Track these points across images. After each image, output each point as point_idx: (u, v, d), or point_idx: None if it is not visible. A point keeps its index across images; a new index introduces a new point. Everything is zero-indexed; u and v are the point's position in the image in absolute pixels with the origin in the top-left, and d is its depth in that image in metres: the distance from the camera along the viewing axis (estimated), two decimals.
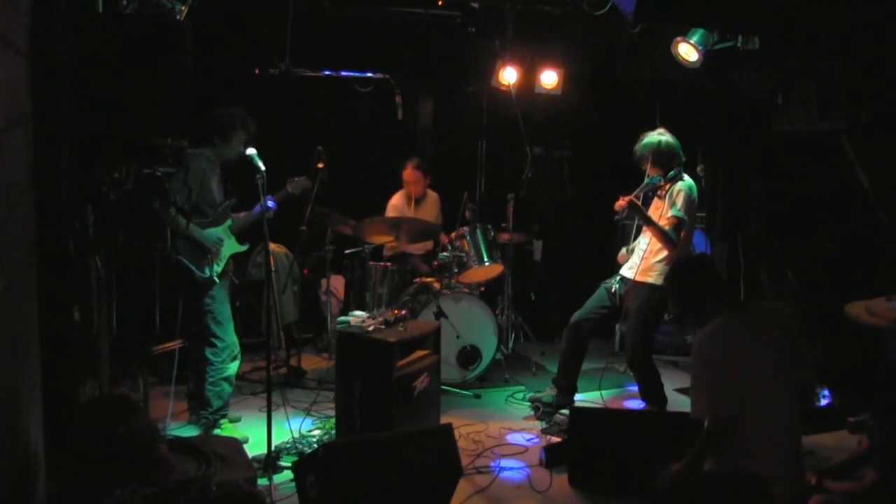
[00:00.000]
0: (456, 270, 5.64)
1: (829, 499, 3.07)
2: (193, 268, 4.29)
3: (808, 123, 4.40)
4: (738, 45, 4.75)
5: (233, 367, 4.48)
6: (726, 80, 5.13)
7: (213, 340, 4.38)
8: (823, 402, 4.64)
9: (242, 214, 4.54)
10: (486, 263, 5.61)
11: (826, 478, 3.19)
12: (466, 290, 5.62)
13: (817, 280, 5.36)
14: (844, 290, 4.60)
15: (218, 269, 4.39)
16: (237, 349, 4.51)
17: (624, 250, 5.03)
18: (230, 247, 4.48)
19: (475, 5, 6.01)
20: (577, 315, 5.01)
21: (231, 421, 4.59)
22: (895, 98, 4.08)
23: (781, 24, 4.19)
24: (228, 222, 4.49)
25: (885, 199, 4.69)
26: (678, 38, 4.87)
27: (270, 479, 3.77)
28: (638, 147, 4.77)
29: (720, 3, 4.09)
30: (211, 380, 4.38)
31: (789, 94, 4.53)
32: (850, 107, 4.12)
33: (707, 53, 4.83)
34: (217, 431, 4.39)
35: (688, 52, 4.87)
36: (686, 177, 4.73)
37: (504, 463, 4.26)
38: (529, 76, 6.38)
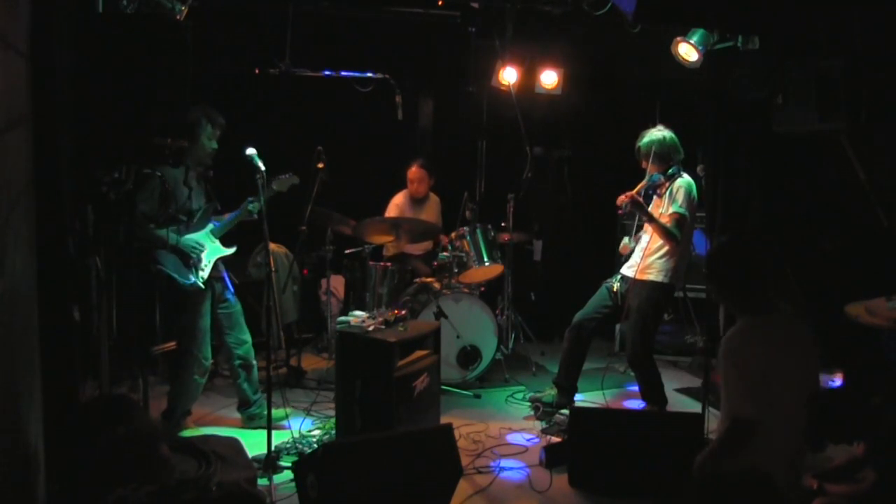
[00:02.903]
0: (456, 270, 5.64)
1: (830, 501, 3.06)
2: (176, 276, 4.25)
3: (808, 123, 4.40)
4: (738, 45, 4.75)
5: (201, 381, 4.50)
6: (726, 80, 5.13)
7: (187, 350, 4.41)
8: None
9: (226, 216, 4.52)
10: (486, 263, 5.61)
11: (826, 480, 3.19)
12: (466, 290, 5.61)
13: (817, 280, 5.36)
14: (844, 290, 4.60)
15: (204, 274, 4.35)
16: (208, 363, 4.50)
17: (626, 240, 5.02)
18: (213, 251, 4.43)
19: (475, 5, 6.00)
20: (579, 315, 5.01)
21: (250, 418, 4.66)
22: (895, 98, 4.08)
23: (781, 24, 4.18)
24: (210, 226, 4.43)
25: (885, 199, 4.69)
26: (678, 38, 4.87)
27: (270, 479, 3.77)
28: (640, 144, 4.79)
29: (720, 3, 4.09)
30: (178, 381, 4.44)
31: (789, 94, 4.53)
32: (850, 107, 4.11)
33: (707, 53, 4.82)
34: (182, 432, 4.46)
35: (688, 52, 4.87)
36: (685, 174, 4.74)
37: (504, 463, 4.26)
38: (529, 76, 6.38)
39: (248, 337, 4.63)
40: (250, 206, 4.44)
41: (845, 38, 4.09)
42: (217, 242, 4.47)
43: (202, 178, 4.50)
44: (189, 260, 4.30)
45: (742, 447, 2.87)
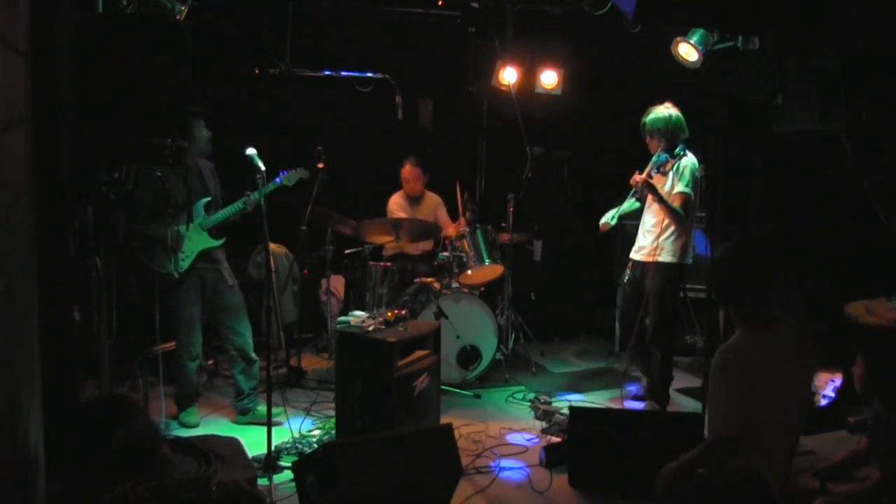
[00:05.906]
0: (456, 271, 5.64)
1: (832, 500, 3.05)
2: (151, 264, 4.40)
3: (808, 123, 4.40)
4: (738, 45, 4.75)
5: (192, 365, 4.63)
6: (726, 80, 5.13)
7: (176, 337, 4.57)
8: (823, 402, 4.64)
9: (219, 211, 4.60)
10: (487, 264, 5.61)
11: (824, 478, 3.18)
12: (466, 290, 5.61)
13: (817, 280, 5.36)
14: (844, 290, 4.60)
15: (183, 264, 4.46)
16: (196, 349, 4.63)
17: (607, 216, 5.09)
18: (199, 242, 4.52)
19: (475, 5, 6.01)
20: (621, 318, 5.17)
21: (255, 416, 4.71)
22: (895, 98, 4.08)
23: (781, 24, 4.18)
24: (200, 219, 4.52)
25: (885, 199, 4.68)
26: (678, 38, 4.87)
27: (270, 479, 3.77)
28: (647, 119, 4.91)
29: (720, 3, 4.09)
30: (177, 367, 4.58)
31: (789, 94, 4.53)
32: (850, 107, 4.11)
33: (707, 53, 4.83)
34: (183, 413, 4.62)
35: (688, 52, 4.87)
36: (690, 154, 4.86)
37: (504, 463, 4.26)
38: (529, 76, 6.38)
39: (245, 330, 4.69)
40: (241, 203, 4.54)
41: (845, 38, 4.09)
42: (205, 234, 4.54)
43: (204, 173, 4.59)
44: (167, 249, 4.41)
45: (723, 461, 2.85)
